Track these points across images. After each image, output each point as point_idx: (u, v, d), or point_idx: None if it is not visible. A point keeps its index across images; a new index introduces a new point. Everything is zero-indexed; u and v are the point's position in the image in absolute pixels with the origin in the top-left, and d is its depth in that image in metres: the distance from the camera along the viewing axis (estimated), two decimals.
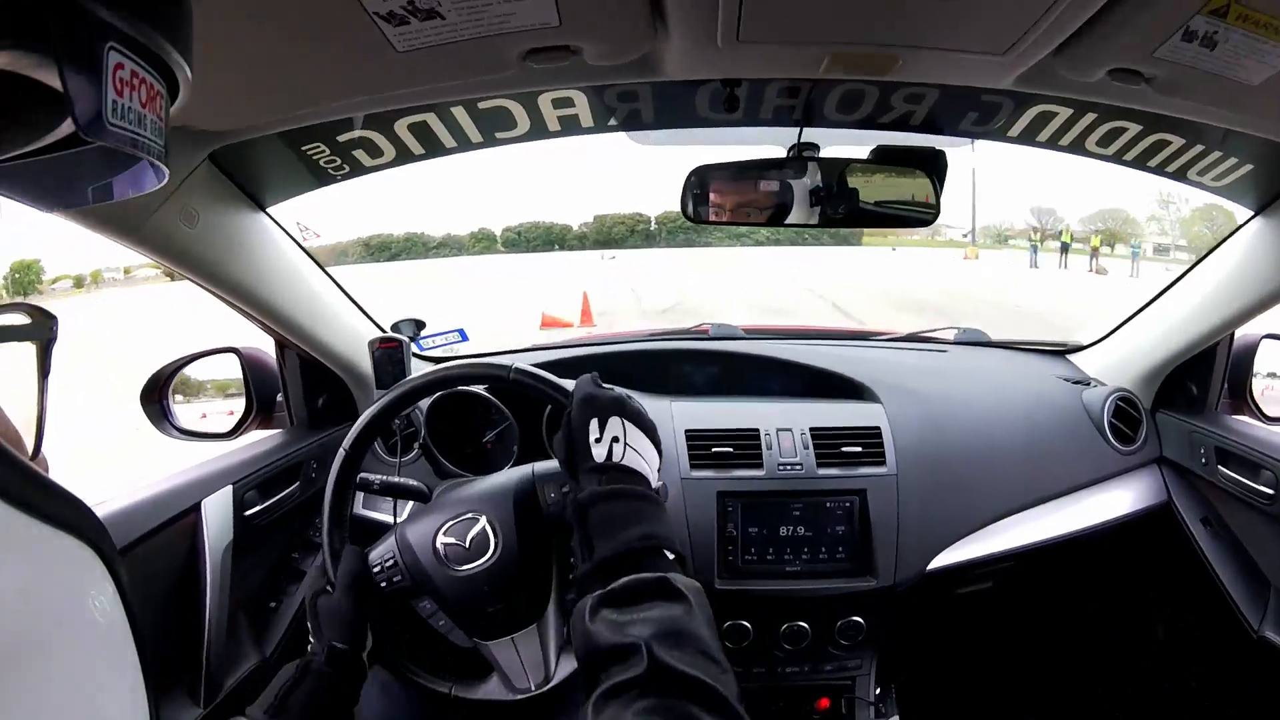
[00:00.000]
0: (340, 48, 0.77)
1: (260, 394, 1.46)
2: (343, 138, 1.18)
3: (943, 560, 1.36)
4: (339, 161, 1.25)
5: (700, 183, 1.22)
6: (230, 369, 1.44)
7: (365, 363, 1.48)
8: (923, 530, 1.36)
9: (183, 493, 1.16)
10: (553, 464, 1.03)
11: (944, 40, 0.87)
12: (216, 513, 1.19)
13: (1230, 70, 0.83)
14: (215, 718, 1.12)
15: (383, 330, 1.56)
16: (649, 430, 0.89)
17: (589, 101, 1.18)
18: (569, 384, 0.96)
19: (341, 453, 1.03)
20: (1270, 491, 1.31)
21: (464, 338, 1.62)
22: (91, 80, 0.35)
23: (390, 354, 1.45)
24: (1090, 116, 1.22)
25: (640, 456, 0.85)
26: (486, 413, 1.48)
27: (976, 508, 1.41)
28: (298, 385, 1.48)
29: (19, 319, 0.53)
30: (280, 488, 1.35)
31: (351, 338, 1.48)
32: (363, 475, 1.08)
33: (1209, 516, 1.50)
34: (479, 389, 1.41)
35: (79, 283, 35.99)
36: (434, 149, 1.26)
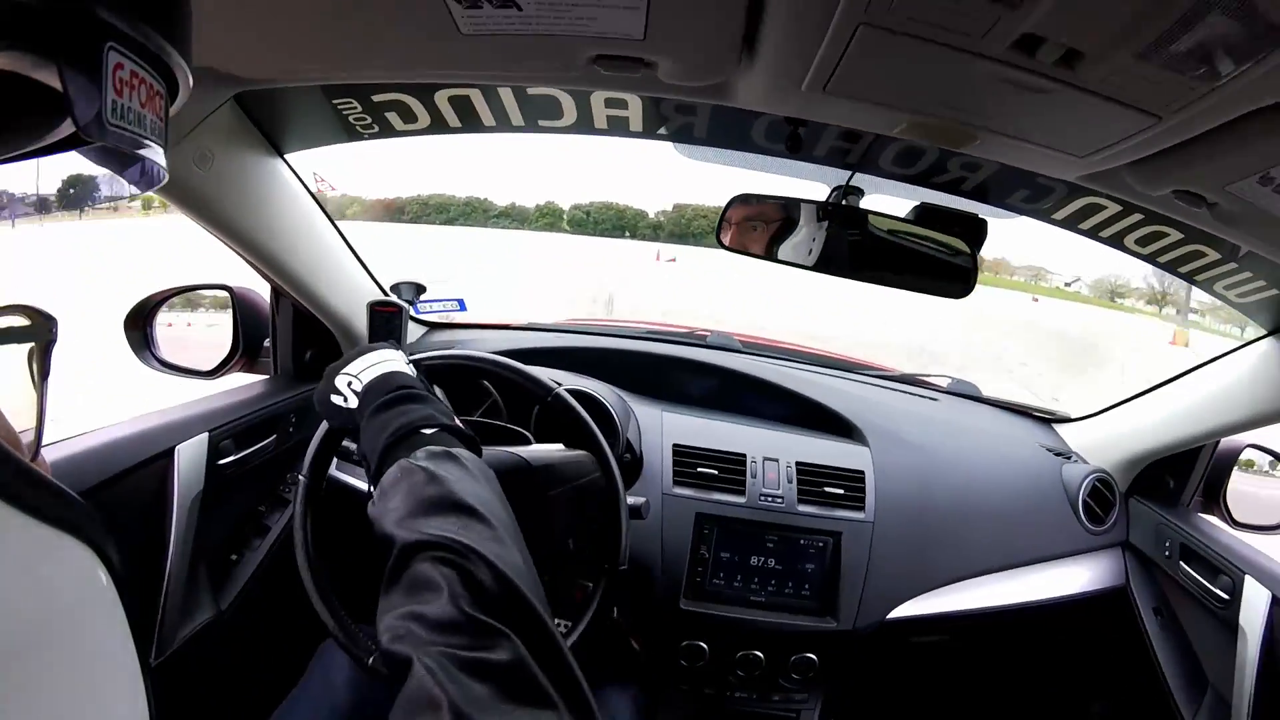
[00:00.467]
0: (401, 18, 0.73)
1: (248, 336, 1.42)
2: (378, 98, 1.15)
3: (904, 611, 1.40)
4: (369, 120, 1.22)
5: (739, 210, 1.22)
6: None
7: (360, 322, 1.46)
8: (890, 580, 1.40)
9: (158, 436, 1.13)
10: (546, 450, 1.04)
11: (1029, 132, 0.86)
12: (190, 460, 1.16)
13: None
14: (165, 670, 1.11)
15: (384, 291, 1.54)
16: (360, 351, 0.91)
17: (643, 106, 1.16)
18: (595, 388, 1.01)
19: None
20: (1225, 596, 1.36)
21: (462, 307, 1.60)
22: (91, 80, 0.35)
23: (388, 318, 1.44)
24: (1136, 217, 1.22)
25: (373, 366, 0.88)
26: (475, 391, 1.46)
27: (945, 564, 1.45)
28: (288, 334, 1.45)
29: (18, 320, 0.51)
30: (257, 439, 1.32)
31: (350, 295, 1.45)
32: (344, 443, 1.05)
33: (1161, 607, 1.55)
34: None
35: None
36: (472, 125, 1.23)
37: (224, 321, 1.40)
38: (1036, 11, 0.57)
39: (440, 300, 1.62)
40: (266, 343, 1.47)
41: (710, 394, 1.68)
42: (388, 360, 0.88)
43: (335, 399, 0.85)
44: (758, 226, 1.22)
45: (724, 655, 1.36)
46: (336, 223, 1.41)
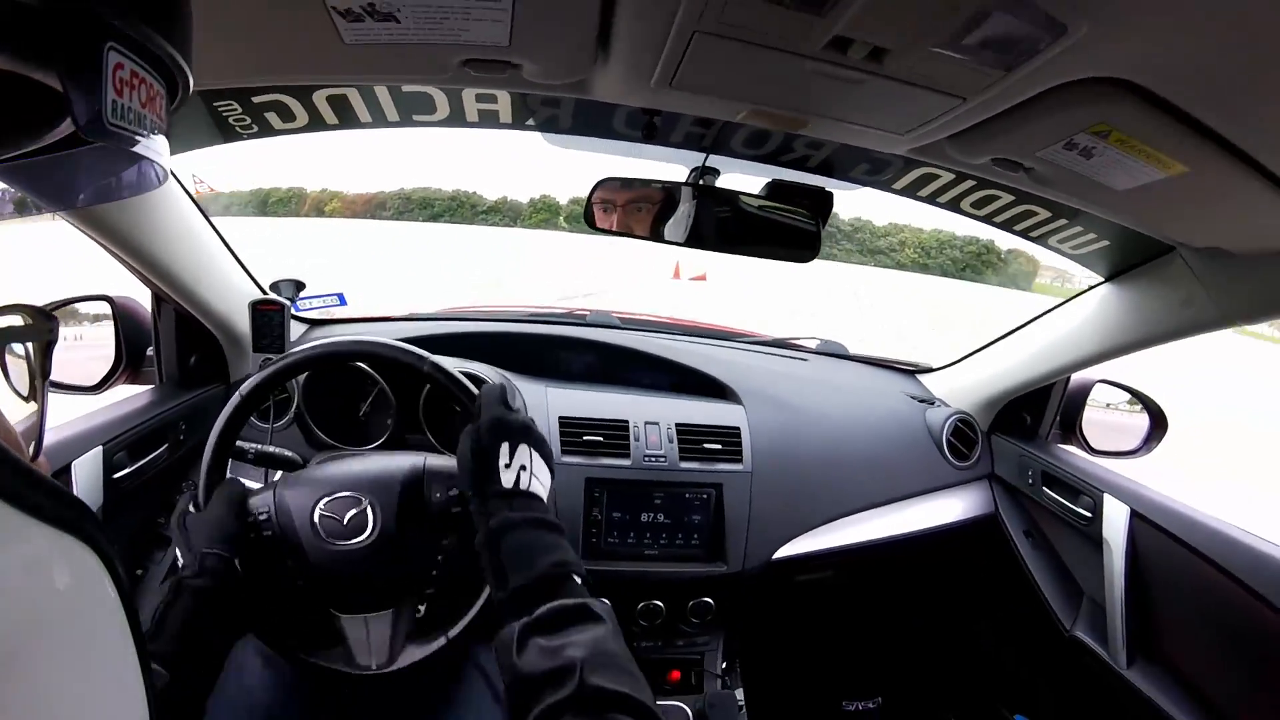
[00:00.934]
0: (286, 28, 0.77)
1: (131, 347, 1.41)
2: (258, 99, 1.18)
3: (787, 551, 1.51)
4: (249, 121, 1.24)
5: (604, 193, 1.28)
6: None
7: (243, 322, 1.46)
8: (771, 523, 1.51)
9: (52, 453, 1.11)
10: (443, 460, 1.06)
11: (851, 116, 0.95)
12: (87, 475, 1.16)
13: (1100, 176, 0.94)
14: None
15: (263, 290, 1.54)
16: (548, 458, 0.91)
17: (511, 100, 1.22)
18: (479, 369, 0.97)
19: (238, 397, 1.02)
20: (1088, 515, 1.52)
21: (342, 302, 1.60)
22: (91, 80, 0.36)
23: (270, 316, 1.44)
24: (969, 183, 1.34)
25: (542, 484, 0.87)
26: (361, 384, 1.49)
27: (821, 506, 1.57)
28: (171, 341, 1.44)
29: (17, 320, 0.53)
30: (149, 449, 1.33)
31: (231, 296, 1.46)
32: (237, 443, 1.07)
33: (1031, 530, 1.72)
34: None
35: None
36: (348, 122, 1.27)
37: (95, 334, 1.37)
38: (844, 18, 0.65)
39: (320, 296, 1.61)
40: (150, 351, 1.45)
41: (592, 369, 1.75)
42: (546, 486, 0.89)
43: (503, 455, 0.85)
44: (642, 207, 1.29)
45: (626, 608, 1.45)
46: (214, 223, 1.41)
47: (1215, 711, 1.30)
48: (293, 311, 1.54)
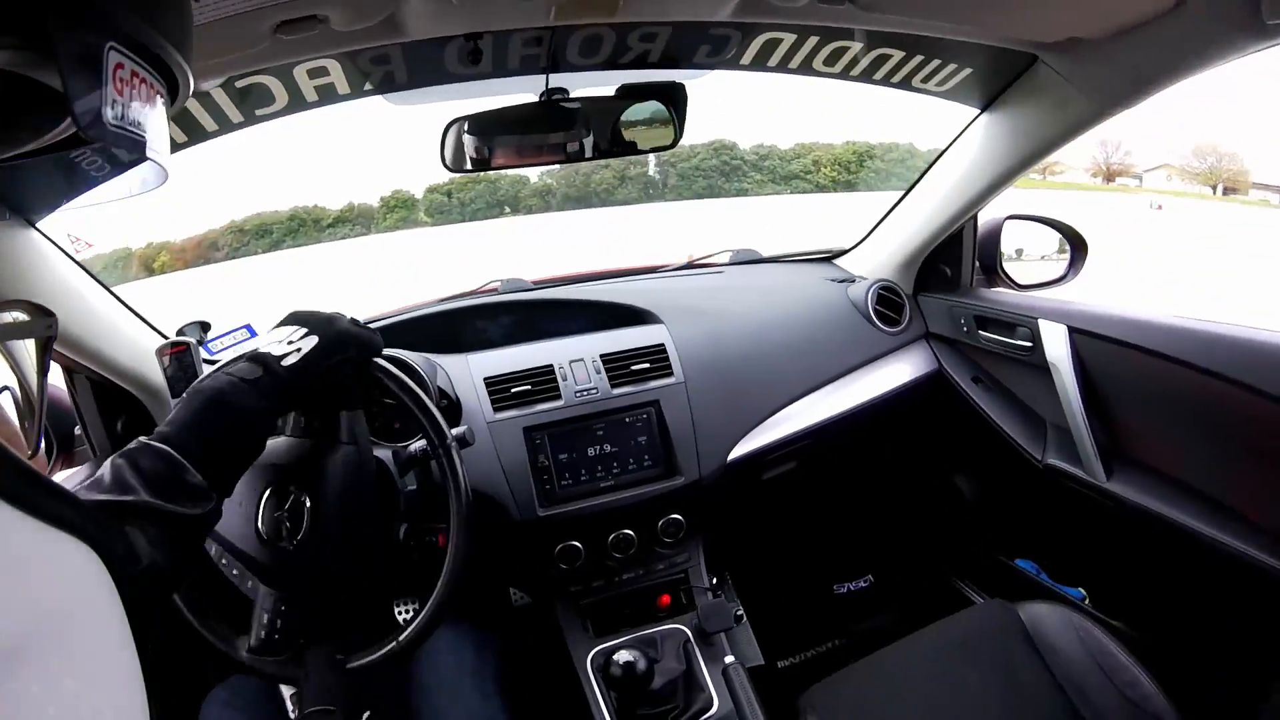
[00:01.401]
0: None
1: (57, 432, 1.39)
2: (98, 164, 1.17)
3: (741, 450, 1.52)
4: (100, 161, 1.24)
5: (473, 131, 1.28)
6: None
7: (155, 372, 1.41)
8: (717, 427, 1.51)
9: None
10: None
11: None
12: None
13: None
14: None
15: (165, 336, 1.50)
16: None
17: (343, 68, 1.22)
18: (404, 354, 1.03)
19: None
20: (1028, 344, 1.54)
21: (252, 333, 1.57)
22: (91, 80, 0.36)
23: (180, 358, 1.39)
24: (814, 40, 1.34)
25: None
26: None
27: (762, 400, 1.58)
28: (94, 412, 1.42)
29: (19, 316, 0.53)
30: None
31: (138, 350, 1.43)
32: None
33: (978, 375, 1.74)
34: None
35: None
36: (196, 134, 1.27)
37: None
38: None
39: (229, 333, 1.57)
40: (77, 430, 1.42)
41: (510, 331, 1.75)
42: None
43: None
44: (479, 141, 1.29)
45: (598, 544, 1.45)
46: (103, 280, 1.39)
47: (1199, 495, 1.32)
48: (204, 354, 1.50)
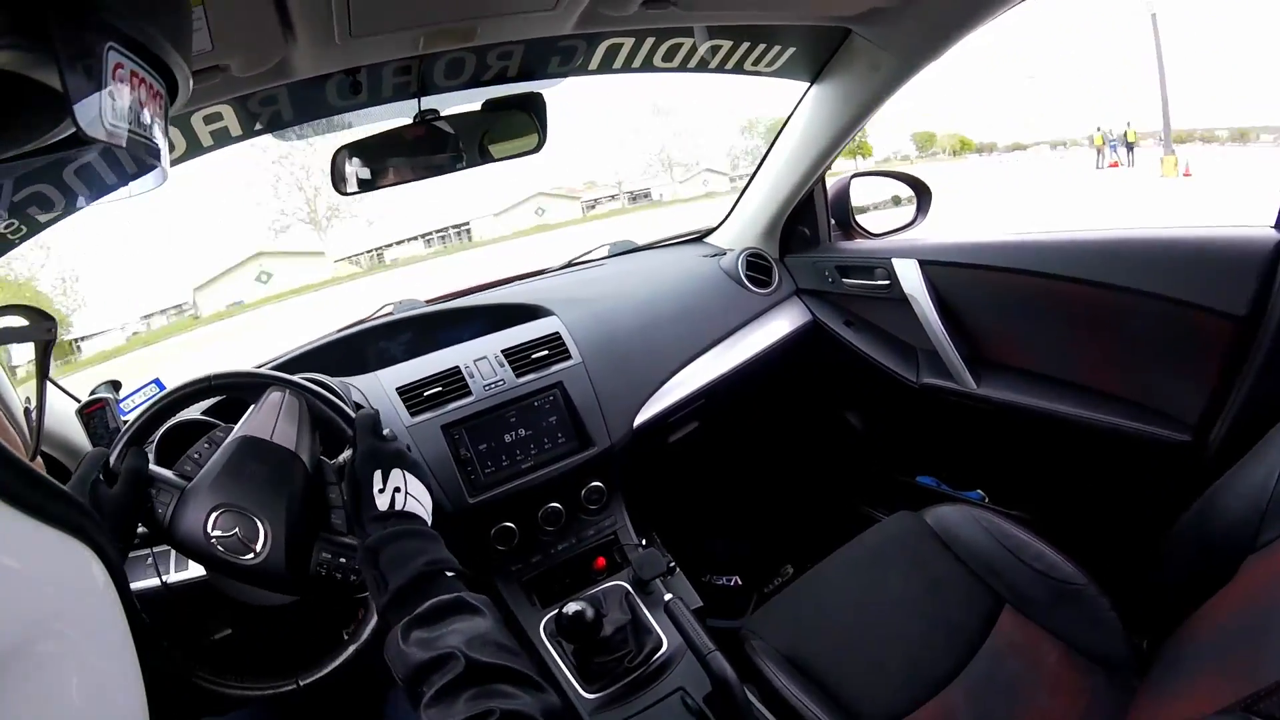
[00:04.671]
0: None
1: None
2: (19, 196, 1.18)
3: (644, 415, 1.66)
4: (16, 224, 1.24)
5: (358, 155, 1.40)
6: None
7: (75, 433, 1.44)
8: (619, 398, 1.65)
9: None
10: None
11: (505, 8, 1.12)
12: None
13: None
14: None
15: (77, 400, 1.50)
16: (424, 478, 0.98)
17: (235, 112, 1.33)
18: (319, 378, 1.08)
19: (202, 384, 1.06)
20: (885, 283, 1.78)
21: (161, 387, 1.58)
22: (91, 80, 0.36)
23: (101, 415, 1.42)
24: (650, 40, 1.53)
25: (418, 502, 0.94)
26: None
27: (656, 368, 1.73)
28: None
29: (18, 321, 0.54)
30: None
31: (55, 412, 1.44)
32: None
33: (849, 318, 1.97)
34: (195, 414, 1.32)
35: None
36: (99, 189, 1.24)
37: None
38: None
39: (138, 390, 1.59)
40: None
41: (411, 346, 1.85)
42: (425, 508, 0.94)
43: (376, 481, 0.91)
44: (365, 165, 1.40)
45: (529, 521, 1.56)
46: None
47: (1056, 381, 1.53)
48: (117, 414, 1.50)
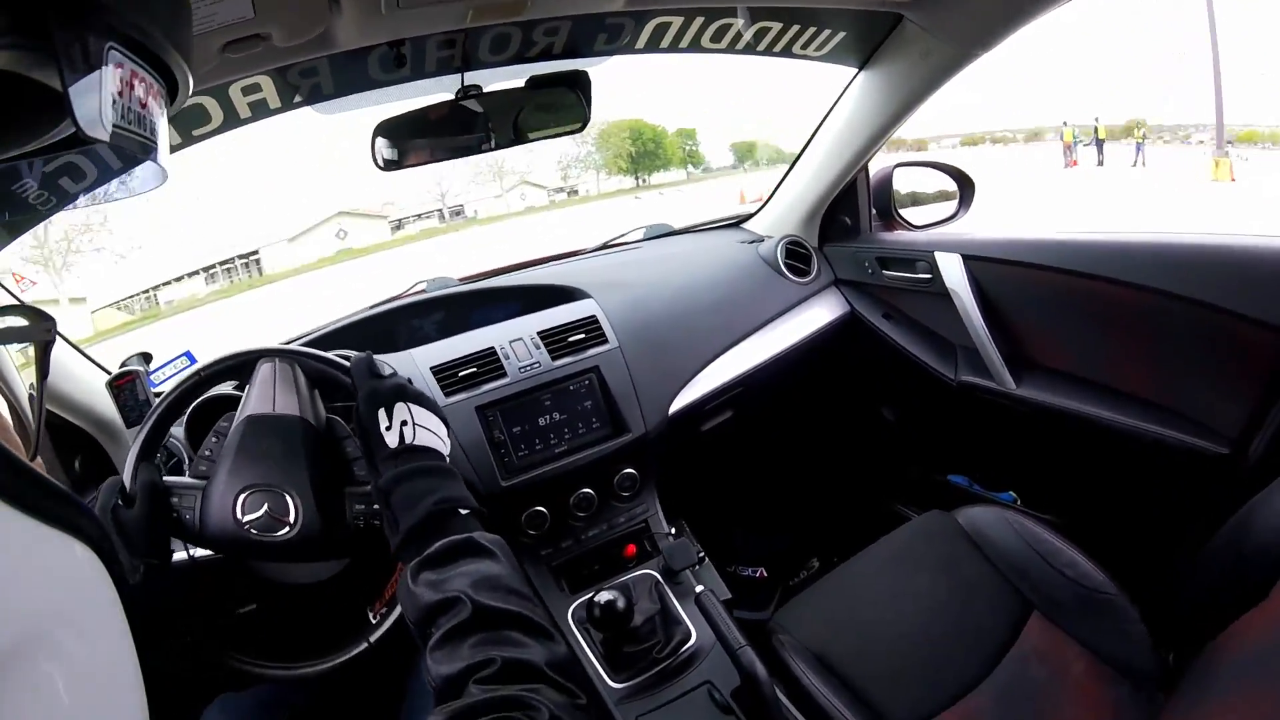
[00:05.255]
0: None
1: None
2: (49, 167, 1.19)
3: (680, 403, 1.69)
4: (46, 195, 1.24)
5: (385, 134, 1.42)
6: None
7: (107, 407, 1.49)
8: (654, 384, 1.67)
9: None
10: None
11: None
12: None
13: None
14: None
15: (108, 371, 1.55)
16: (433, 407, 1.00)
17: (275, 83, 1.34)
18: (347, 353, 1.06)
19: (191, 381, 1.09)
20: (928, 276, 1.79)
21: (192, 360, 1.61)
22: (92, 80, 0.37)
23: (132, 388, 1.47)
24: (699, 20, 1.54)
25: (431, 432, 0.96)
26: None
27: (692, 356, 1.76)
28: (50, 453, 1.46)
29: (18, 321, 0.56)
30: None
31: (87, 386, 1.50)
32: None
33: (888, 311, 1.99)
34: (228, 388, 1.40)
35: None
36: (131, 160, 1.34)
37: None
38: None
39: (169, 363, 1.60)
40: None
41: (444, 325, 1.88)
42: (441, 438, 0.97)
43: (382, 419, 0.93)
44: (405, 140, 1.43)
45: (560, 507, 1.59)
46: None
47: (1095, 385, 1.55)
48: (147, 386, 1.55)
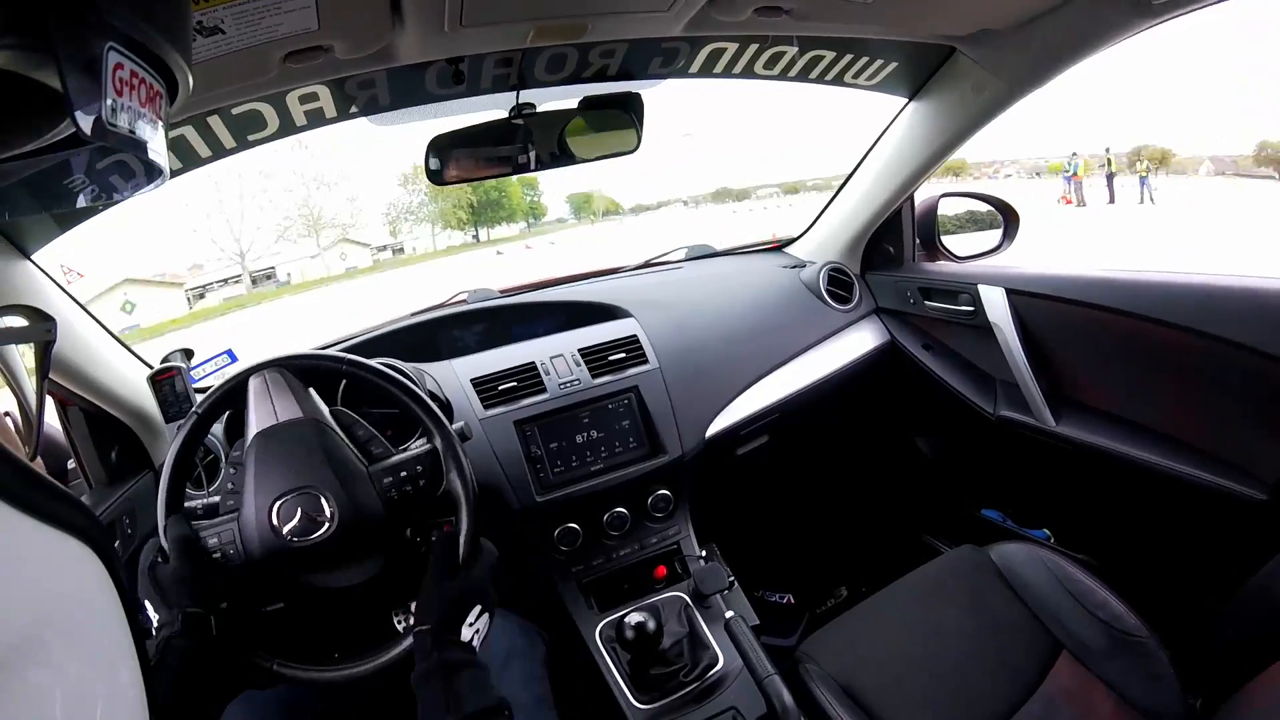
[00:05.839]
0: None
1: (51, 467, 1.51)
2: (100, 165, 1.29)
3: (717, 426, 1.73)
4: (97, 190, 1.34)
5: (438, 149, 1.47)
6: None
7: (148, 402, 1.55)
8: (693, 406, 1.72)
9: None
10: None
11: (619, 6, 1.17)
12: None
13: None
14: None
15: (150, 366, 1.61)
16: (491, 620, 1.06)
17: (332, 94, 1.39)
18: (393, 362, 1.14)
19: (190, 422, 1.12)
20: (970, 309, 1.81)
21: (233, 358, 1.65)
22: (91, 80, 0.38)
23: (172, 383, 1.53)
24: (754, 47, 1.57)
25: (481, 641, 1.02)
26: None
27: (732, 379, 1.81)
28: (88, 444, 1.51)
29: (18, 321, 0.58)
30: None
31: (128, 379, 1.54)
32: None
33: (928, 342, 2.02)
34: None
35: None
36: (190, 162, 1.42)
37: None
38: None
39: (209, 360, 1.66)
40: (70, 463, 1.51)
41: (484, 337, 1.94)
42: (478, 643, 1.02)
43: (468, 622, 0.99)
44: (458, 156, 1.49)
45: (594, 524, 1.63)
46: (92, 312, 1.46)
47: (1137, 425, 1.57)
48: (188, 381, 1.61)
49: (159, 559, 1.03)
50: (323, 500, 1.07)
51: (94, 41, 0.38)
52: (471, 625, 0.99)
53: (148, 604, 0.97)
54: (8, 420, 0.58)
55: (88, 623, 0.44)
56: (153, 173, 0.49)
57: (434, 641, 0.95)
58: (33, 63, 0.38)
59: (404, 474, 1.15)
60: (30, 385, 0.57)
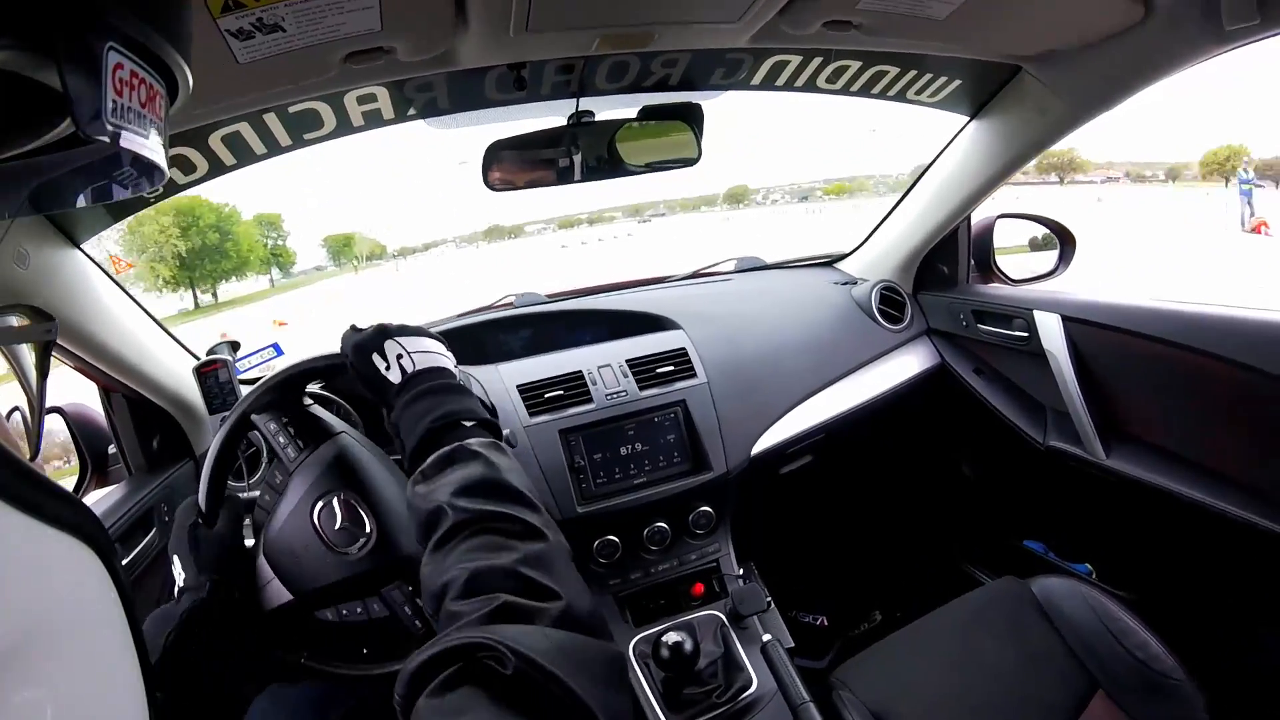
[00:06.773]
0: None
1: (93, 451, 1.56)
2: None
3: (763, 444, 1.76)
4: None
5: (495, 156, 1.52)
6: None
7: (192, 392, 1.61)
8: (740, 423, 1.74)
9: None
10: None
11: (688, 16, 1.19)
12: None
13: (920, 10, 1.19)
14: None
15: (196, 356, 1.69)
16: (418, 332, 1.04)
17: (390, 95, 1.42)
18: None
19: (235, 412, 1.14)
20: (1024, 334, 1.83)
21: (279, 352, 1.74)
22: (91, 80, 0.39)
23: (216, 375, 1.60)
24: (817, 60, 1.60)
25: (429, 354, 1.01)
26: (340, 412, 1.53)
27: (779, 396, 1.84)
28: (130, 431, 1.58)
29: (18, 321, 0.61)
30: (139, 537, 1.47)
31: (174, 368, 1.61)
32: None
33: (979, 367, 2.04)
34: (318, 389, 1.49)
35: None
36: (244, 158, 1.45)
37: None
38: None
39: (255, 352, 1.74)
40: (111, 449, 1.57)
41: (530, 342, 1.98)
42: (440, 354, 1.02)
43: (379, 363, 0.98)
44: (514, 163, 1.54)
45: (633, 538, 1.67)
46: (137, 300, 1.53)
47: (1190, 463, 1.59)
48: (234, 374, 1.69)
49: (199, 519, 1.06)
50: (363, 517, 1.11)
51: (94, 41, 0.40)
52: (389, 368, 1.00)
53: (176, 559, 1.01)
54: (16, 417, 0.58)
55: (88, 623, 0.45)
56: (152, 173, 0.50)
57: (387, 415, 0.98)
58: (33, 63, 0.39)
59: None
60: (31, 385, 0.59)
